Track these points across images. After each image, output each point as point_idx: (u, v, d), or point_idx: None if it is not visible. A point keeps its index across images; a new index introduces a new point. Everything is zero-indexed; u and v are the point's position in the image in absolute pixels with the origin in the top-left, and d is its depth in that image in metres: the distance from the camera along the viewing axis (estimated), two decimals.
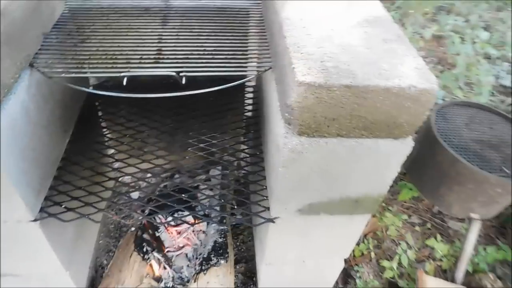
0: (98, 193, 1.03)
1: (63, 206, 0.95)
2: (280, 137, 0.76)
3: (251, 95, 1.36)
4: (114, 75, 0.82)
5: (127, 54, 0.89)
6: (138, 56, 0.89)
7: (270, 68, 0.88)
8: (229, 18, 1.06)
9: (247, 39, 1.00)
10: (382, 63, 0.69)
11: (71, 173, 1.03)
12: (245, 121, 1.38)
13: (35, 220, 0.90)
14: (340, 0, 0.90)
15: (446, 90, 2.33)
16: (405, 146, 0.76)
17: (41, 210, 0.92)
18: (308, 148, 0.74)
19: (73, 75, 0.83)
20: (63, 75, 0.83)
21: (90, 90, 0.82)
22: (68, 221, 0.93)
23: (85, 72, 0.84)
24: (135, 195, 1.65)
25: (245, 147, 1.27)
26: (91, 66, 0.85)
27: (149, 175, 1.28)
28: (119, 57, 0.89)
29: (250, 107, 1.35)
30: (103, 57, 0.88)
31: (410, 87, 0.65)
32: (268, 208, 0.95)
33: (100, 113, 1.35)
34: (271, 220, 0.94)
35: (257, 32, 1.03)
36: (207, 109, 1.31)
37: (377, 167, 0.80)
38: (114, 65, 0.86)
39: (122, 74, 0.79)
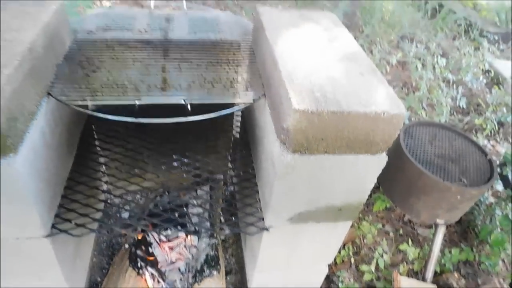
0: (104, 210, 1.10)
1: (73, 222, 1.02)
2: (276, 155, 0.89)
3: (239, 118, 1.49)
4: (127, 103, 0.92)
5: (135, 83, 1.00)
6: (146, 85, 1.00)
7: (263, 94, 1.01)
8: (223, 51, 1.20)
9: (240, 69, 1.13)
10: (360, 93, 0.84)
11: (77, 192, 1.10)
12: (233, 142, 1.50)
13: (47, 236, 0.96)
14: (321, 36, 1.06)
15: (411, 111, 2.56)
16: (380, 160, 0.91)
17: (53, 226, 0.99)
18: (300, 164, 0.87)
19: (90, 103, 0.93)
20: (80, 103, 0.92)
21: (110, 116, 0.91)
22: (80, 236, 1.00)
23: (100, 100, 0.94)
24: (125, 214, 1.72)
25: (233, 166, 1.39)
26: (104, 94, 0.95)
27: (137, 196, 1.35)
28: (128, 86, 0.99)
29: (238, 129, 1.47)
30: (114, 86, 0.99)
31: (384, 113, 0.80)
32: (262, 219, 1.07)
33: (96, 136, 1.43)
34: (266, 229, 1.05)
35: (248, 63, 1.17)
36: (198, 131, 1.41)
37: (358, 179, 0.94)
38: (125, 94, 0.96)
39: (137, 102, 0.89)
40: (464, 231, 1.86)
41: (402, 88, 2.93)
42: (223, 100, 0.96)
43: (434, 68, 3.08)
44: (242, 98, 1.00)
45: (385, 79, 0.91)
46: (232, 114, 1.49)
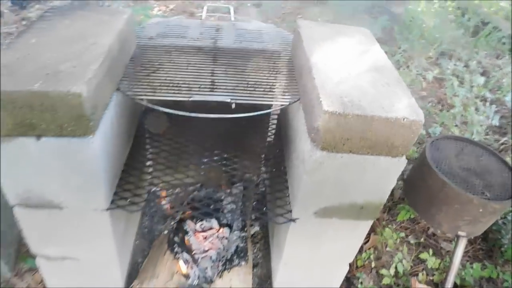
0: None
1: (127, 200, 1.19)
2: (306, 152, 1.02)
3: (275, 121, 1.62)
4: (181, 99, 1.09)
5: (188, 83, 1.17)
6: (197, 86, 1.16)
7: (299, 99, 1.15)
8: (265, 58, 1.34)
9: (279, 76, 1.27)
10: (384, 100, 0.95)
11: (131, 176, 1.27)
12: (268, 144, 1.64)
13: (107, 209, 1.14)
14: (353, 49, 1.18)
15: (443, 127, 2.59)
16: (400, 163, 1.01)
17: (112, 202, 1.16)
18: (327, 160, 0.99)
19: (151, 97, 1.10)
20: (143, 97, 1.10)
21: (165, 109, 1.08)
22: (133, 211, 1.17)
23: (159, 96, 1.11)
24: (166, 204, 1.90)
25: (267, 165, 1.52)
26: (163, 91, 1.12)
27: (178, 189, 1.51)
28: (182, 85, 1.16)
29: (273, 131, 1.61)
30: (170, 85, 1.16)
31: (403, 118, 0.91)
32: (290, 211, 1.19)
33: (147, 130, 1.61)
34: (293, 220, 1.17)
35: (286, 70, 1.31)
36: (237, 132, 1.56)
37: (379, 179, 1.04)
38: (180, 91, 1.13)
39: (190, 99, 1.05)
40: (490, 249, 1.87)
41: (436, 105, 2.96)
42: (263, 101, 1.10)
43: (472, 86, 3.08)
44: (280, 100, 1.14)
45: (408, 90, 1.01)
46: (268, 118, 1.63)
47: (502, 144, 2.72)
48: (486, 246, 1.88)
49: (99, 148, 0.98)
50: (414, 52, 3.56)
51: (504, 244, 1.78)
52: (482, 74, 3.50)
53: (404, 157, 1.01)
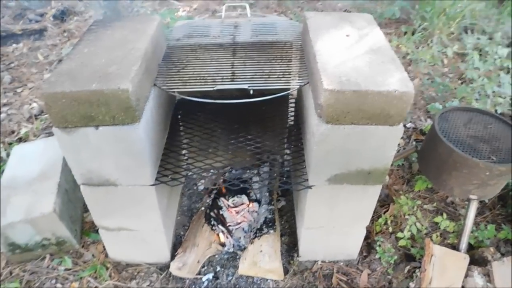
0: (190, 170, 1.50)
1: (169, 177, 1.42)
2: (314, 126, 1.19)
3: (292, 105, 1.80)
4: (207, 89, 1.29)
5: (212, 76, 1.37)
6: (220, 77, 1.36)
7: (308, 82, 1.32)
8: (278, 48, 1.52)
9: (291, 63, 1.44)
10: (378, 77, 1.10)
11: (170, 158, 1.50)
12: (288, 126, 1.81)
13: (153, 185, 1.37)
14: (354, 34, 1.33)
15: (463, 102, 2.63)
16: (397, 131, 1.16)
17: (156, 179, 1.39)
18: (332, 132, 1.16)
19: (182, 89, 1.31)
20: (175, 90, 1.31)
21: (195, 98, 1.29)
22: (174, 185, 1.40)
23: (189, 88, 1.32)
24: (200, 185, 2.13)
25: (288, 143, 1.70)
26: (191, 83, 1.33)
27: (212, 170, 1.71)
28: (207, 78, 1.36)
29: (292, 114, 1.78)
30: (197, 78, 1.36)
31: (395, 91, 1.06)
32: (307, 180, 1.37)
33: (180, 120, 1.84)
34: (309, 187, 1.35)
35: (298, 58, 1.47)
36: (259, 116, 1.75)
37: (380, 146, 1.20)
38: (206, 82, 1.33)
39: (214, 88, 1.25)
40: (509, 215, 1.95)
41: (457, 80, 2.99)
42: (277, 86, 1.28)
43: (495, 59, 3.07)
44: (292, 84, 1.31)
45: (401, 66, 1.15)
46: (287, 101, 1.81)
47: None
48: (505, 212, 1.96)
49: (143, 133, 1.21)
50: (434, 29, 3.57)
51: None
52: (509, 45, 3.45)
53: (400, 125, 1.16)
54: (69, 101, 1.10)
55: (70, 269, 1.66)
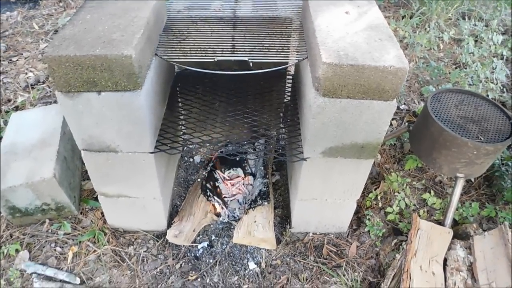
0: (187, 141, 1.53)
1: (168, 145, 1.46)
2: (311, 98, 1.23)
3: (290, 81, 1.83)
4: (208, 60, 1.32)
5: (213, 48, 1.39)
6: (220, 49, 1.38)
7: (306, 57, 1.35)
8: (278, 24, 1.54)
9: (291, 38, 1.47)
10: (375, 53, 1.14)
11: (168, 127, 1.54)
12: (285, 101, 1.85)
13: (152, 152, 1.41)
14: (354, 12, 1.36)
15: (456, 86, 2.68)
16: (391, 106, 1.20)
17: (155, 147, 1.43)
18: (328, 105, 1.20)
19: (183, 59, 1.33)
20: (176, 60, 1.33)
21: (195, 68, 1.31)
22: (173, 154, 1.44)
23: (189, 58, 1.34)
24: (197, 158, 2.18)
25: (284, 117, 1.74)
26: (192, 54, 1.35)
27: (208, 144, 1.75)
28: (208, 49, 1.38)
29: (289, 90, 1.82)
30: (198, 49, 1.39)
31: (390, 66, 1.10)
32: (302, 152, 1.42)
33: (179, 92, 1.86)
34: (304, 159, 1.40)
35: (298, 34, 1.50)
36: (257, 91, 1.78)
37: (374, 120, 1.24)
38: (207, 54, 1.36)
39: (215, 59, 1.28)
40: (493, 194, 2.04)
41: (452, 65, 3.03)
42: (275, 60, 1.31)
43: (490, 46, 3.11)
44: (290, 58, 1.34)
45: (397, 44, 1.19)
46: (284, 77, 1.84)
47: None
48: (489, 191, 2.05)
49: (144, 100, 1.24)
50: (432, 14, 3.58)
51: (505, 188, 1.94)
52: (504, 33, 3.49)
53: (394, 100, 1.20)
54: (73, 65, 1.12)
55: (69, 234, 1.71)
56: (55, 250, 1.66)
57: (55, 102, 2.39)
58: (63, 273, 1.58)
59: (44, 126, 1.82)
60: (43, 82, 2.61)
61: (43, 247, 1.67)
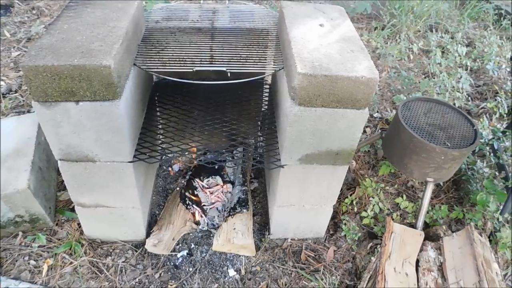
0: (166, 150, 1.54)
1: (146, 155, 1.47)
2: (288, 108, 1.27)
3: (267, 91, 1.87)
4: (187, 70, 1.34)
5: (192, 58, 1.42)
6: (199, 59, 1.41)
7: (283, 68, 1.40)
8: (255, 35, 1.58)
9: (267, 49, 1.51)
10: (347, 64, 1.20)
11: (147, 136, 1.54)
12: (262, 109, 1.89)
13: (131, 162, 1.41)
14: (327, 24, 1.42)
15: (426, 95, 2.81)
16: (364, 114, 1.27)
17: (134, 156, 1.43)
18: (304, 114, 1.24)
19: (162, 69, 1.35)
20: (155, 70, 1.35)
21: (174, 78, 1.33)
22: (151, 162, 1.44)
23: (168, 68, 1.36)
24: (176, 167, 2.18)
25: (262, 126, 1.78)
26: (171, 64, 1.37)
27: (186, 153, 1.76)
28: (186, 59, 1.41)
29: (266, 99, 1.86)
30: (177, 59, 1.41)
31: (362, 77, 1.16)
32: (279, 159, 1.46)
33: (157, 102, 1.87)
34: (282, 166, 1.44)
35: (274, 45, 1.55)
36: (235, 100, 1.81)
37: (348, 128, 1.30)
38: (185, 64, 1.38)
39: (195, 69, 1.31)
40: (460, 197, 2.14)
41: (421, 74, 3.18)
42: (253, 70, 1.35)
43: (455, 56, 3.28)
44: (267, 69, 1.39)
45: (369, 55, 1.25)
46: (261, 87, 1.89)
47: (482, 108, 2.96)
48: (457, 195, 2.15)
49: (123, 109, 1.25)
50: (402, 26, 3.75)
51: (471, 191, 2.05)
52: (468, 45, 3.70)
53: (366, 109, 1.26)
54: (51, 75, 1.12)
55: (44, 246, 1.67)
56: (28, 263, 1.62)
57: (29, 111, 2.34)
58: (37, 286, 1.54)
59: (17, 135, 1.78)
60: (16, 91, 2.55)
61: (16, 260, 1.62)
